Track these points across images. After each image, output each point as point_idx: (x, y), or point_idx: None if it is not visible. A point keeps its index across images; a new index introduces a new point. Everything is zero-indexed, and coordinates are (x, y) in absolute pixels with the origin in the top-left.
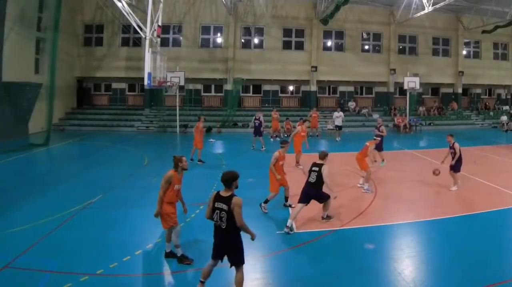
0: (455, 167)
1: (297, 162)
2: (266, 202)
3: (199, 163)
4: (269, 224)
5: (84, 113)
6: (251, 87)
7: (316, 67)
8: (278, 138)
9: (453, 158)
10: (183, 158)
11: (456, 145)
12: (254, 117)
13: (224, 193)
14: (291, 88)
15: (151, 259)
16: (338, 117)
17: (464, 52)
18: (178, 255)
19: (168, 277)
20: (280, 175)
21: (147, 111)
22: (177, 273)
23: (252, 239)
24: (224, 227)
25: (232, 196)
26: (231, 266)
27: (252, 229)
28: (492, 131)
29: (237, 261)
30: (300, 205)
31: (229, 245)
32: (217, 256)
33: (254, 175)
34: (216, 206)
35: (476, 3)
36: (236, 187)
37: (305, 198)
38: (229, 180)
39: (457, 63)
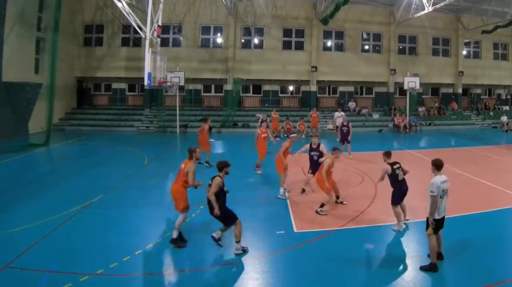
0: (392, 198)
1: (258, 166)
2: (322, 206)
3: (205, 163)
4: (269, 224)
5: (84, 113)
6: (251, 87)
7: (316, 67)
8: (278, 139)
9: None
10: (197, 149)
11: (386, 168)
12: (260, 119)
13: (217, 175)
14: (291, 88)
15: (151, 259)
16: (339, 117)
17: (464, 52)
18: (174, 236)
19: (168, 277)
20: (329, 181)
21: (147, 111)
22: (177, 273)
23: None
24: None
25: (216, 176)
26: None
27: (252, 229)
28: (492, 131)
29: (225, 223)
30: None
31: (210, 211)
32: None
33: (254, 175)
34: (209, 182)
35: (476, 3)
36: (227, 173)
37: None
38: (219, 166)
39: (457, 63)
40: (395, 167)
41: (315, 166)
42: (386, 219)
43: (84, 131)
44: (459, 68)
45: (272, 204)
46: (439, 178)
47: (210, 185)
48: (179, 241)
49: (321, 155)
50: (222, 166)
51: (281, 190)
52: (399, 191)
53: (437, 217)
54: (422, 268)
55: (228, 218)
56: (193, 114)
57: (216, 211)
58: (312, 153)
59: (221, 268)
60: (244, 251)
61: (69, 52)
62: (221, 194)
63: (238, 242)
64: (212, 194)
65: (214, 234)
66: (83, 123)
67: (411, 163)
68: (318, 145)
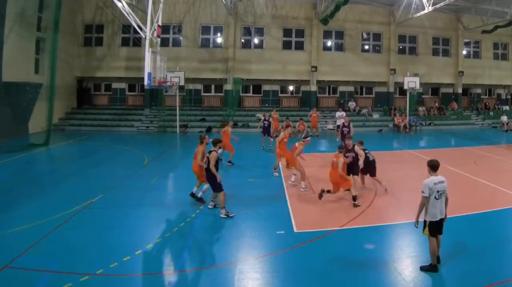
0: (361, 171)
1: (275, 169)
2: (354, 199)
3: (228, 163)
4: (269, 224)
5: (84, 113)
6: (251, 87)
7: (316, 67)
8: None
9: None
10: (206, 136)
11: (361, 153)
12: (263, 118)
13: (212, 149)
14: (291, 88)
15: (151, 259)
16: (340, 117)
17: (464, 52)
18: (198, 196)
19: (168, 277)
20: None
21: (147, 111)
22: (177, 273)
23: (218, 181)
24: (205, 167)
25: (212, 151)
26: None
27: (252, 229)
28: (492, 131)
29: (215, 189)
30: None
31: (207, 178)
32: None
33: (254, 175)
34: (207, 155)
35: (476, 3)
36: (220, 147)
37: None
38: (214, 141)
39: (457, 63)
40: (366, 151)
41: (352, 167)
42: (386, 219)
43: (84, 131)
44: (459, 68)
45: (272, 204)
46: (433, 179)
47: (208, 158)
48: (198, 199)
49: (356, 156)
50: (217, 142)
51: (303, 184)
52: (368, 167)
53: (431, 219)
54: (422, 268)
55: (217, 186)
56: (193, 114)
57: (219, 180)
58: (348, 155)
59: (221, 268)
60: (228, 215)
61: (69, 52)
62: (217, 165)
63: (223, 207)
64: (213, 166)
65: (209, 206)
66: (83, 123)
67: (411, 162)
68: (353, 146)
